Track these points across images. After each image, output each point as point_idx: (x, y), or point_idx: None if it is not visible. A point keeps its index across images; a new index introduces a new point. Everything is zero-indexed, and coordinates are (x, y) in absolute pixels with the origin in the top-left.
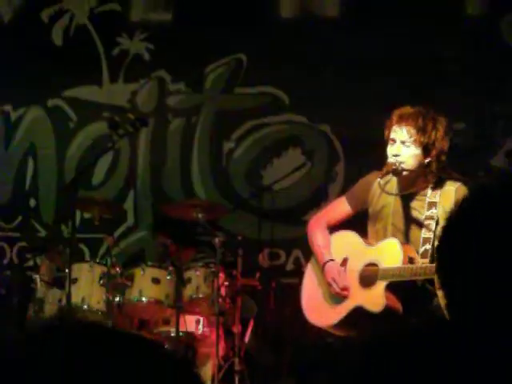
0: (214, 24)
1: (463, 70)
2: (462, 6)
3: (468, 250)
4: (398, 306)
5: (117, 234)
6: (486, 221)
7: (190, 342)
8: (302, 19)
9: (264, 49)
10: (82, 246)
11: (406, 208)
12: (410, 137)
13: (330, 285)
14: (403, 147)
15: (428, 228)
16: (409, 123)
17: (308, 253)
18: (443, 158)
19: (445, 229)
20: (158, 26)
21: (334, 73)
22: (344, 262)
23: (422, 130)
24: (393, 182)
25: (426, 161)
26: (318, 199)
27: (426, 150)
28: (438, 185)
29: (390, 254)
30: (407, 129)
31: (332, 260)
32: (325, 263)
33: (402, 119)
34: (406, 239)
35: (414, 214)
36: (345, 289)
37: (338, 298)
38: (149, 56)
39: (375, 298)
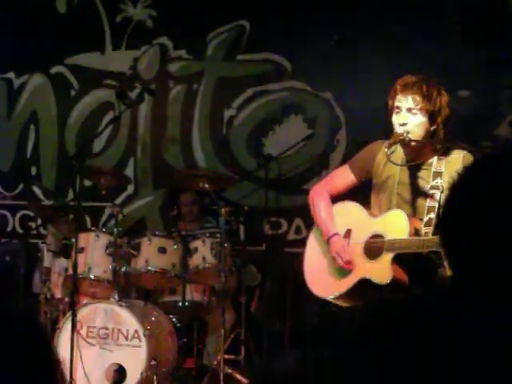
0: None
1: (470, 39)
2: None
3: (472, 215)
4: (405, 277)
5: (117, 202)
6: (490, 187)
7: (196, 311)
8: None
9: (267, 16)
10: (83, 214)
11: (413, 178)
12: (417, 104)
13: (334, 259)
14: (409, 115)
15: (433, 197)
16: (414, 91)
17: (309, 222)
18: (448, 124)
19: (449, 196)
20: None
21: (337, 41)
22: (347, 233)
23: (427, 98)
24: (398, 152)
25: (432, 128)
26: (320, 167)
27: (432, 117)
28: (444, 154)
29: (395, 225)
30: (413, 97)
31: (337, 234)
32: (330, 237)
33: (406, 87)
34: (413, 209)
35: (421, 183)
36: (349, 263)
37: (342, 270)
38: (151, 23)
39: (382, 270)
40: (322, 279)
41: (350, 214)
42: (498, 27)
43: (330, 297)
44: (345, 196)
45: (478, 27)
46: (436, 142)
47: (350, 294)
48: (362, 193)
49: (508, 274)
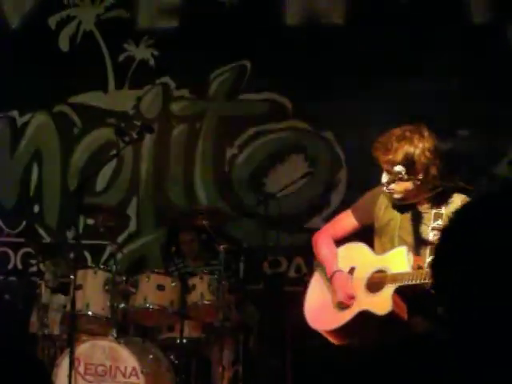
0: (219, 31)
1: (468, 77)
2: (468, 13)
3: (467, 253)
4: (404, 313)
5: (119, 240)
6: (485, 225)
7: (194, 348)
8: (307, 26)
9: (268, 55)
10: (84, 252)
11: (414, 221)
12: (389, 164)
13: (335, 293)
14: (385, 175)
15: (434, 239)
16: (384, 153)
17: (309, 260)
18: (433, 171)
19: (444, 232)
20: (165, 32)
21: (338, 80)
22: (351, 270)
23: (393, 152)
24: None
25: (419, 177)
26: (320, 206)
27: (409, 169)
28: (444, 196)
29: (398, 261)
30: (383, 158)
31: (339, 271)
32: (333, 274)
33: (376, 149)
34: (415, 252)
35: (422, 227)
36: (350, 297)
37: (342, 305)
38: (154, 62)
39: (382, 302)
40: (322, 313)
41: (355, 253)
42: (498, 65)
43: (328, 330)
44: (349, 238)
45: (478, 66)
46: (432, 181)
47: (347, 327)
48: (367, 236)
49: (498, 313)
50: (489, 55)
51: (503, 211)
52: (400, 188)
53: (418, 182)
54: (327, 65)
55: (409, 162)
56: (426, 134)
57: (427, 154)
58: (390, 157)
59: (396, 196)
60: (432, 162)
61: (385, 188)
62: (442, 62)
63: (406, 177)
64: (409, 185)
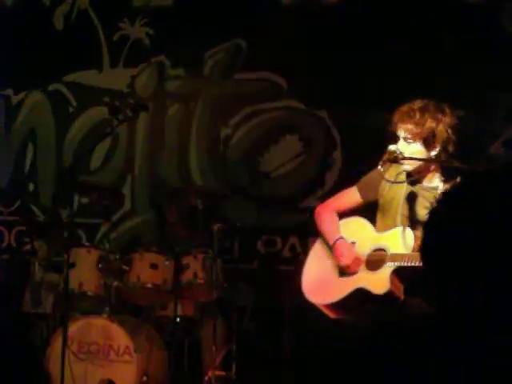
0: (214, 9)
1: (463, 57)
2: None
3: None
4: (400, 293)
5: (113, 218)
6: (475, 207)
7: (187, 327)
8: (302, 5)
9: (263, 34)
10: (78, 230)
11: (417, 200)
12: (409, 133)
13: (338, 259)
14: (405, 144)
15: None
16: (406, 120)
17: (304, 240)
18: (450, 148)
19: (432, 215)
20: (159, 11)
21: (332, 59)
22: (352, 245)
23: (420, 125)
24: (392, 171)
25: (433, 154)
26: (315, 186)
27: (427, 143)
28: (448, 178)
29: (400, 240)
30: (405, 126)
31: (342, 238)
32: (335, 241)
33: (401, 116)
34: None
35: (425, 204)
36: (354, 261)
37: (345, 272)
38: (149, 41)
39: (380, 281)
40: (321, 286)
41: (356, 228)
42: (493, 47)
43: (326, 303)
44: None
45: (473, 47)
46: (430, 161)
47: (344, 302)
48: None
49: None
50: (483, 34)
51: (496, 186)
52: (412, 150)
53: (432, 155)
54: (322, 44)
55: (430, 136)
56: (447, 109)
57: (449, 130)
58: (410, 126)
59: (406, 168)
60: (451, 138)
61: (392, 146)
62: (437, 41)
63: (401, 156)
64: (421, 154)
